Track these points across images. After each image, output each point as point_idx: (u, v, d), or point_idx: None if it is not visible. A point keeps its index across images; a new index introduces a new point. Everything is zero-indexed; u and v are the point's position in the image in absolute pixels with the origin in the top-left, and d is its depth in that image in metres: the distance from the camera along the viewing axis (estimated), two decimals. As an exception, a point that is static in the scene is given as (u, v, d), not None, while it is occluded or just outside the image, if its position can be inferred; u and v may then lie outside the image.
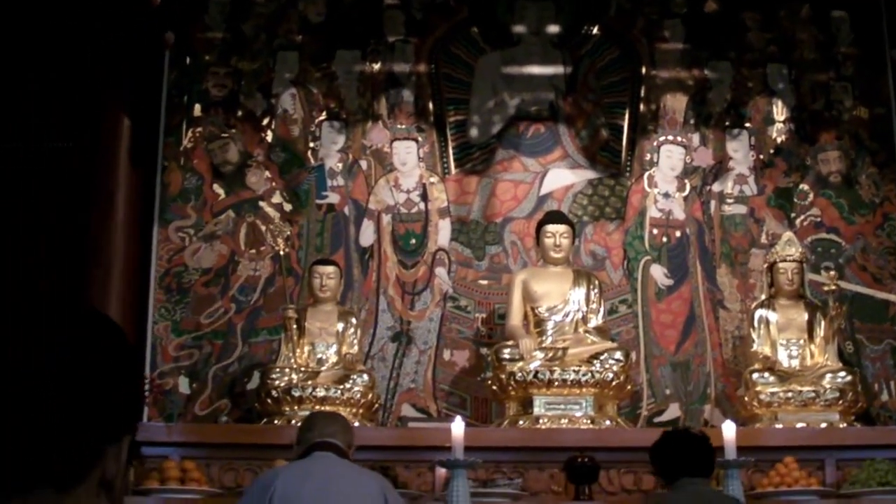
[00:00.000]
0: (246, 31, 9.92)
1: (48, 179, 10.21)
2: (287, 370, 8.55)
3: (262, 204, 9.56)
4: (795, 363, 8.71)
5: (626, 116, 9.89)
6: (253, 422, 8.71)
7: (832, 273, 9.12)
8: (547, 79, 10.00)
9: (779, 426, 8.29)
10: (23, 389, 1.57)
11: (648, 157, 9.81)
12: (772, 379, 8.50)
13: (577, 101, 9.92)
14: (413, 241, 9.59)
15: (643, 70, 10.00)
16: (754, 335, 8.90)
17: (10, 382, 1.57)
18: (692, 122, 9.93)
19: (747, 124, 9.91)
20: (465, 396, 9.26)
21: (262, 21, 9.96)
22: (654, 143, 9.83)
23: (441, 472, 7.80)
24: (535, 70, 10.02)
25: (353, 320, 8.93)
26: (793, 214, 9.70)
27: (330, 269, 8.89)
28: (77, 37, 9.35)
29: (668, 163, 9.80)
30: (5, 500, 1.58)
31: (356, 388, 8.43)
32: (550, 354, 8.52)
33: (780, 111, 9.94)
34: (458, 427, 6.91)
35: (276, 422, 8.37)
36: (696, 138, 9.89)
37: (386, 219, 9.62)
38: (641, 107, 9.93)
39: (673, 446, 5.61)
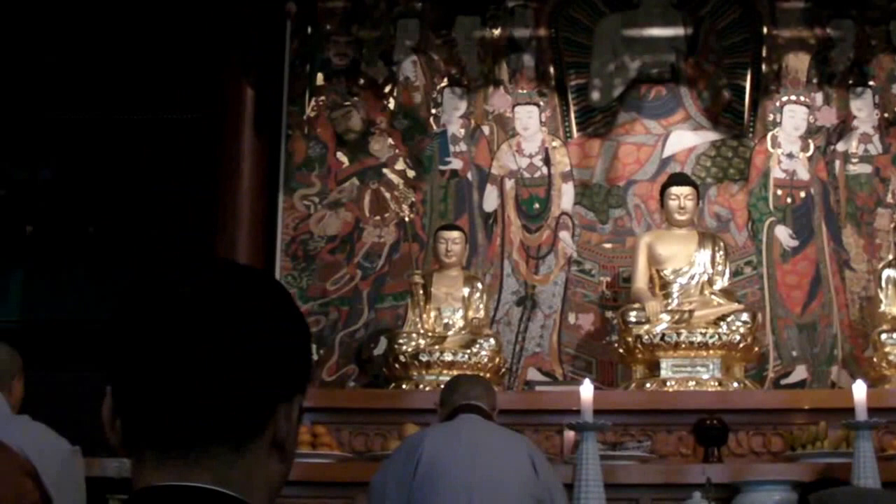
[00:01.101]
0: (366, 0, 10.05)
1: (175, 150, 10.49)
2: (414, 335, 8.73)
3: (385, 171, 9.72)
4: (925, 323, 8.69)
5: (748, 77, 9.88)
6: (380, 387, 8.89)
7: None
8: (667, 40, 10.02)
9: (909, 387, 8.29)
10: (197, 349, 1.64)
11: (771, 117, 9.80)
12: (901, 339, 8.50)
13: (699, 63, 9.93)
14: (536, 205, 9.68)
15: (764, 30, 9.97)
16: (882, 296, 8.87)
17: (185, 343, 1.64)
18: (815, 81, 9.89)
19: (871, 83, 9.85)
20: (591, 360, 9.36)
21: (382, -11, 10.10)
22: (777, 104, 9.82)
23: (569, 435, 7.90)
24: (656, 32, 10.04)
25: (479, 285, 9.06)
26: (919, 173, 9.65)
27: (455, 234, 9.02)
28: (201, 8, 9.57)
29: (791, 123, 9.79)
30: (184, 454, 1.64)
31: (483, 353, 8.58)
32: (677, 317, 8.60)
33: (904, 68, 9.89)
34: (587, 390, 7.01)
35: (403, 386, 8.55)
36: (819, 98, 9.85)
37: (509, 184, 9.72)
38: (763, 67, 9.90)
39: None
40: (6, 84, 10.35)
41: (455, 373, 8.31)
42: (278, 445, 1.71)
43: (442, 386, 8.20)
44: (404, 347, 8.62)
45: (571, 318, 9.47)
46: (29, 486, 4.75)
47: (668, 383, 8.38)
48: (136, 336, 1.67)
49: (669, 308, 8.71)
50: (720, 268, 8.92)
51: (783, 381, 9.24)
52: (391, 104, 9.86)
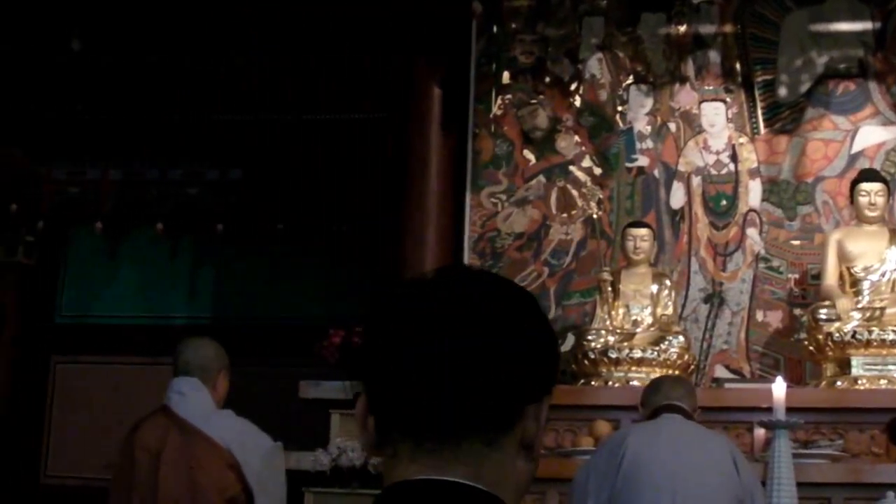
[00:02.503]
0: (551, -1, 10.23)
1: (362, 149, 10.78)
2: (603, 332, 8.88)
3: (572, 168, 9.88)
4: None
5: (941, 71, 9.83)
6: (568, 383, 9.04)
7: None
8: (855, 35, 9.99)
9: None
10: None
11: (964, 111, 9.74)
12: None
13: (888, 57, 9.89)
14: (724, 202, 9.75)
15: (956, 21, 9.91)
16: None
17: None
18: None
19: None
20: (779, 357, 9.40)
21: (566, -13, 10.26)
22: (969, 98, 9.75)
23: (760, 432, 7.97)
24: (843, 27, 10.02)
25: (667, 282, 9.18)
26: None
27: (643, 231, 9.15)
28: (388, 9, 9.83)
29: (984, 117, 9.71)
30: (439, 446, 1.75)
31: (672, 350, 8.71)
32: (868, 314, 8.62)
33: None
34: (779, 387, 7.06)
35: (592, 383, 8.71)
36: None
37: (696, 180, 9.80)
38: (957, 60, 9.84)
39: None
40: (198, 87, 10.74)
41: (644, 370, 8.49)
42: (526, 445, 1.81)
43: (630, 383, 8.44)
44: (593, 344, 8.78)
45: (759, 316, 9.51)
46: (232, 478, 5.03)
47: (860, 381, 8.41)
48: (395, 331, 1.81)
49: (860, 305, 8.72)
50: (912, 265, 8.90)
51: (978, 380, 9.17)
52: (577, 102, 10.01)
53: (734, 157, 9.81)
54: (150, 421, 5.14)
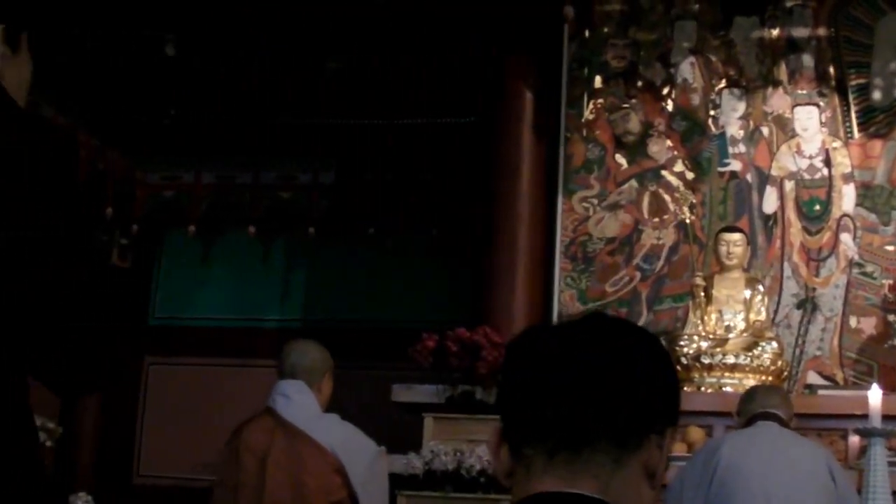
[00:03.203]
0: (643, 3, 10.25)
1: (452, 153, 10.90)
2: (696, 337, 8.94)
3: (664, 173, 9.93)
4: None
5: None
6: (660, 388, 9.11)
7: None
8: (951, 38, 9.98)
9: None
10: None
11: None
12: None
13: (982, 59, 9.87)
14: (817, 207, 9.76)
15: None
16: None
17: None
18: None
19: None
20: (872, 364, 9.38)
21: (658, -9, 10.31)
22: None
23: (854, 440, 7.99)
24: (939, 29, 10.01)
25: (761, 287, 9.22)
26: None
27: (737, 236, 9.20)
28: (480, 14, 9.93)
29: None
30: (571, 459, 1.91)
31: (765, 356, 8.75)
32: (965, 321, 8.61)
33: None
34: (874, 395, 7.08)
35: (685, 389, 8.73)
36: None
37: (789, 185, 9.81)
38: None
39: None
40: (292, 90, 10.92)
41: (737, 376, 8.55)
42: (650, 473, 1.95)
43: (723, 389, 8.49)
44: (686, 349, 8.84)
45: (853, 322, 9.50)
46: (337, 482, 5.15)
47: (956, 389, 8.41)
48: (537, 353, 2.00)
49: (957, 312, 8.72)
50: None
51: None
52: (669, 106, 10.05)
53: (828, 162, 9.81)
54: (256, 423, 5.25)
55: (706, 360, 8.72)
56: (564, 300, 9.75)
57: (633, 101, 10.08)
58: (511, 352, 2.06)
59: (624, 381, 1.95)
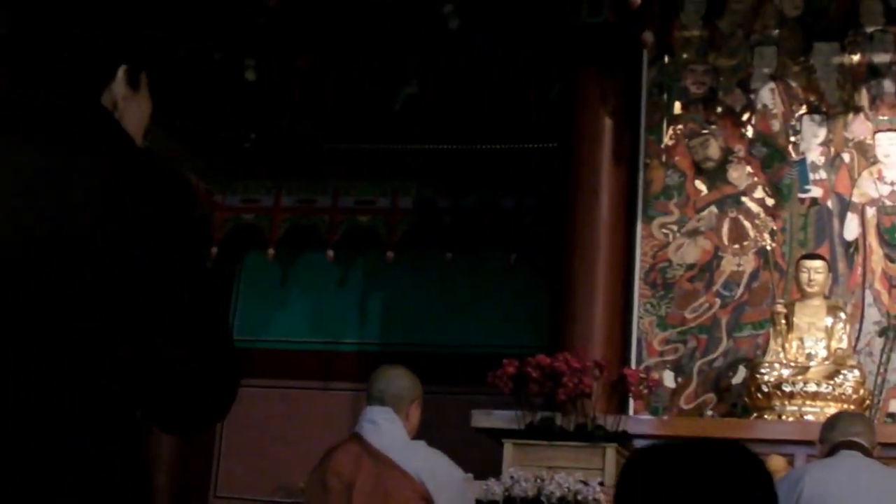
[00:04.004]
0: (722, 28, 10.34)
1: (532, 178, 11.03)
2: (776, 365, 8.98)
3: (744, 199, 9.97)
4: None
5: None
6: (738, 416, 9.17)
7: None
8: None
9: None
10: None
11: None
12: None
13: None
14: (899, 234, 9.79)
15: None
16: None
17: None
18: None
19: None
20: (955, 392, 9.40)
21: (738, 17, 10.35)
22: None
23: (938, 469, 8.00)
24: None
25: (842, 315, 9.24)
26: None
27: (818, 263, 9.24)
28: (557, 40, 10.06)
29: None
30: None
31: (847, 384, 8.78)
32: None
33: None
34: (957, 425, 7.14)
35: (765, 416, 8.81)
36: None
37: (870, 212, 9.82)
38: None
39: None
40: (371, 114, 11.10)
41: (818, 404, 8.58)
42: None
43: (804, 417, 8.53)
44: (766, 377, 8.89)
45: (936, 350, 9.52)
46: (423, 510, 5.24)
47: None
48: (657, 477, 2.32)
49: None
50: None
51: None
52: (749, 132, 10.10)
53: (910, 189, 9.83)
54: (343, 449, 5.34)
55: (787, 388, 8.76)
56: (644, 326, 9.81)
57: (713, 126, 10.14)
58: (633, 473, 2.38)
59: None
